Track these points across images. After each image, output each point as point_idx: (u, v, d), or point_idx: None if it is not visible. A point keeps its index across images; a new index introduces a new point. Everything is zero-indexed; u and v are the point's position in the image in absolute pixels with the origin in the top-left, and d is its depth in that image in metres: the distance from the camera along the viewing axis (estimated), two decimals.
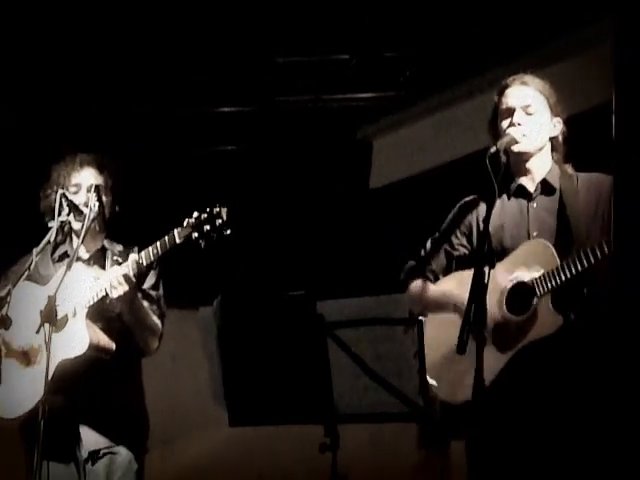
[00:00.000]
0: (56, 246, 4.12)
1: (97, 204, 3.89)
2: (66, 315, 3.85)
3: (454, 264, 3.71)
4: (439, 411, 3.45)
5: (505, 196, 3.60)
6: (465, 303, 3.08)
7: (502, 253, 3.51)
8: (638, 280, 2.38)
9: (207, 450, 6.51)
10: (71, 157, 4.13)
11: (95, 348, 3.85)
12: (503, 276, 3.43)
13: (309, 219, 6.14)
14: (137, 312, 3.95)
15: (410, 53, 5.40)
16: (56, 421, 3.53)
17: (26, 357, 3.97)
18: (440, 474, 5.45)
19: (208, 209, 3.71)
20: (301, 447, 4.50)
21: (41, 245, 3.89)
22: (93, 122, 5.74)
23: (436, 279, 3.72)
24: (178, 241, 3.75)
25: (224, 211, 3.70)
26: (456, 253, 3.70)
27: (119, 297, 3.83)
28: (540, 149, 3.59)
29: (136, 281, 3.87)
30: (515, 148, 3.52)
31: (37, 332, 3.65)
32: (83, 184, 4.04)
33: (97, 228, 4.04)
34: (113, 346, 3.91)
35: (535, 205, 3.56)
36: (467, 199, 3.74)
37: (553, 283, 3.35)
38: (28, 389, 3.83)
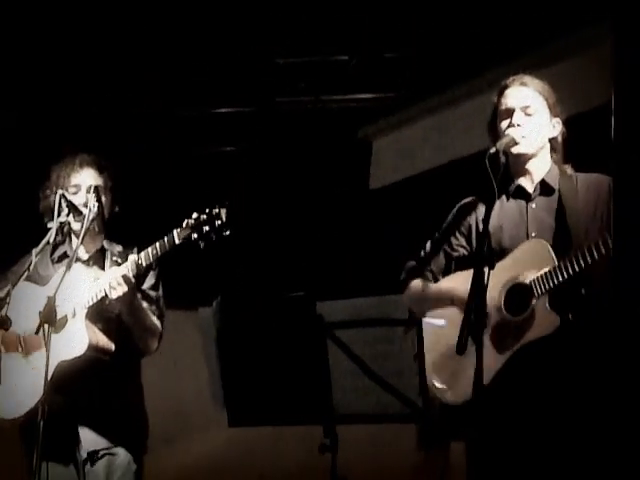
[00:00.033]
0: (55, 247, 4.11)
1: (96, 205, 3.88)
2: (65, 316, 3.84)
3: (453, 265, 3.70)
4: (438, 411, 3.46)
5: (504, 197, 3.60)
6: (466, 298, 3.08)
7: (501, 254, 3.50)
8: (637, 280, 2.38)
9: (208, 450, 6.51)
10: (71, 158, 4.12)
11: (94, 349, 3.85)
12: (501, 277, 3.43)
13: (309, 220, 6.14)
14: (136, 313, 3.94)
15: (410, 53, 5.40)
16: (55, 422, 3.52)
17: (25, 346, 3.96)
18: (440, 474, 5.44)
19: (207, 210, 3.71)
20: (302, 447, 4.50)
21: (40, 246, 3.89)
22: (93, 122, 5.74)
23: (435, 280, 3.72)
24: (177, 242, 3.74)
25: (223, 212, 3.69)
26: (455, 254, 3.70)
27: (118, 298, 3.83)
28: (539, 150, 3.58)
29: (135, 282, 3.86)
30: (514, 149, 3.51)
31: (36, 333, 3.65)
32: (83, 185, 4.04)
33: (96, 229, 4.04)
34: (112, 347, 3.91)
35: (534, 206, 3.56)
36: (466, 200, 3.74)
37: (551, 283, 3.34)
38: (28, 389, 3.83)
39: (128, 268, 3.83)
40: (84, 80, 5.49)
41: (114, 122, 5.82)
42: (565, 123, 3.62)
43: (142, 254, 3.85)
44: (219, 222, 3.68)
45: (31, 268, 3.88)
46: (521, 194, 3.59)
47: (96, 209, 3.88)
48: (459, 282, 3.50)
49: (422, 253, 3.79)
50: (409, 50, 5.37)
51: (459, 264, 3.67)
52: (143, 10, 5.00)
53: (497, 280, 3.40)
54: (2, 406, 3.96)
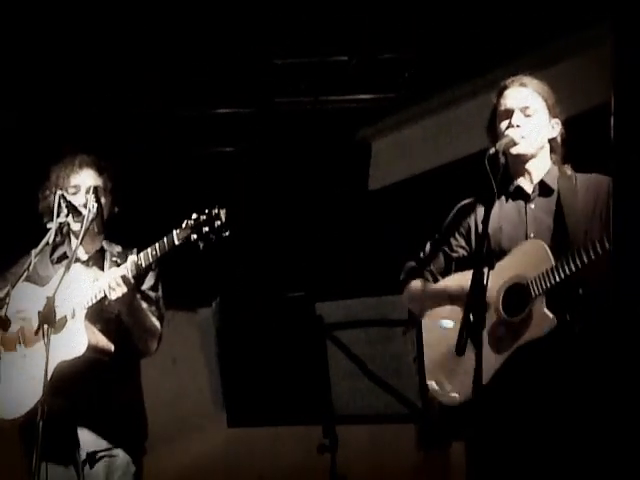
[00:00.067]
0: (55, 247, 4.12)
1: (96, 205, 3.89)
2: (65, 316, 3.84)
3: (453, 266, 3.71)
4: (438, 412, 3.46)
5: (504, 198, 3.60)
6: (466, 295, 3.08)
7: (500, 255, 3.50)
8: (637, 281, 2.38)
9: (207, 451, 6.51)
10: (70, 158, 4.13)
11: (94, 349, 3.85)
12: (500, 277, 3.43)
13: (308, 220, 6.14)
14: (136, 313, 3.94)
15: (409, 54, 5.40)
16: (55, 422, 3.52)
17: (24, 346, 3.96)
18: (440, 475, 5.45)
19: (207, 210, 3.71)
20: (301, 448, 4.50)
21: (40, 246, 3.89)
22: (93, 122, 5.74)
23: (435, 280, 3.72)
24: (177, 242, 3.74)
25: (223, 212, 3.69)
26: (455, 255, 3.70)
27: (118, 298, 3.83)
28: (539, 150, 3.58)
29: (135, 282, 3.86)
30: (514, 150, 3.52)
31: (36, 333, 3.65)
32: (82, 185, 4.04)
33: (96, 229, 4.04)
34: (112, 347, 3.91)
35: (533, 206, 3.56)
36: (465, 201, 3.74)
37: (548, 284, 3.34)
38: (27, 390, 3.83)
39: (127, 269, 3.82)
40: (84, 80, 5.48)
41: (114, 122, 5.82)
42: (565, 123, 3.62)
43: (141, 255, 3.85)
44: (218, 223, 3.68)
45: (30, 269, 3.88)
46: (520, 195, 3.59)
47: (95, 210, 3.89)
48: (459, 282, 3.50)
49: (422, 254, 3.79)
50: (408, 51, 5.37)
51: (459, 265, 3.67)
52: (143, 10, 4.99)
53: (496, 281, 3.40)
54: (2, 406, 3.97)
